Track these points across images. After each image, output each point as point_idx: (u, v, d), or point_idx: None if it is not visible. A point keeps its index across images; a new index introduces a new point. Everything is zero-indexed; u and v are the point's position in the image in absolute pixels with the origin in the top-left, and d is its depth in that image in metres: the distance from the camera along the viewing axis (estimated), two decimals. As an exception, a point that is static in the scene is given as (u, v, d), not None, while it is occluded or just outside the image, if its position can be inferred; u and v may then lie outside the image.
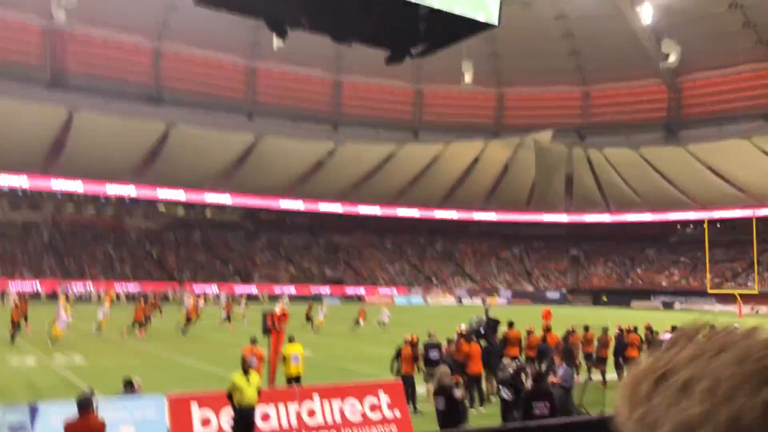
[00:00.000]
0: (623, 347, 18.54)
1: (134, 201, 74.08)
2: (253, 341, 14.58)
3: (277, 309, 21.75)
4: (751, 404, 0.56)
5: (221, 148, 67.13)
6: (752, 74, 71.35)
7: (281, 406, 11.70)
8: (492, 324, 17.03)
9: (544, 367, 15.10)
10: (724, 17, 65.05)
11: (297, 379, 14.13)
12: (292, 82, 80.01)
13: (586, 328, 20.45)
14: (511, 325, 18.93)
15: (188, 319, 30.44)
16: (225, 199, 74.34)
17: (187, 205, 78.37)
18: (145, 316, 29.45)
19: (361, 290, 69.65)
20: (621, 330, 19.94)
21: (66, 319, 24.85)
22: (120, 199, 73.56)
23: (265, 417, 11.33)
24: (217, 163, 69.47)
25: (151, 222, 75.68)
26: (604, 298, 71.79)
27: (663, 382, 0.64)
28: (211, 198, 74.36)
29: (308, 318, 33.83)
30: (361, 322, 34.13)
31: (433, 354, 14.91)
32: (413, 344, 14.86)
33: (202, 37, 70.97)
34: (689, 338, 0.68)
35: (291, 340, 15.03)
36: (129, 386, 11.50)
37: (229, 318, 34.64)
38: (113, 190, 68.96)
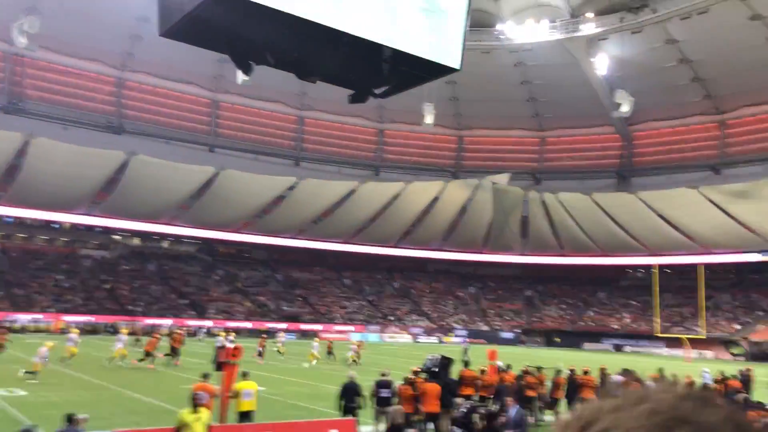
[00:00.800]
0: (575, 388, 18.83)
1: (89, 230, 72.61)
2: (205, 376, 14.41)
3: (229, 344, 21.50)
4: None
5: (181, 179, 66.49)
6: (700, 126, 74.29)
7: (232, 443, 11.56)
8: (445, 363, 17.14)
9: (497, 407, 15.22)
10: (675, 71, 67.86)
11: (249, 416, 13.95)
12: (255, 116, 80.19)
13: (539, 369, 20.73)
14: (466, 364, 19.13)
15: (147, 354, 29.83)
16: (182, 230, 73.49)
17: (144, 236, 77.13)
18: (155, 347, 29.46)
19: (318, 326, 68.96)
20: (572, 371, 20.28)
21: (45, 354, 23.85)
22: (74, 228, 72.02)
23: (216, 453, 11.17)
24: (176, 195, 68.71)
25: (105, 252, 74.11)
26: (557, 339, 72.57)
27: (585, 431, 0.67)
28: (169, 229, 73.39)
29: (260, 354, 33.77)
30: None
31: (384, 392, 15.00)
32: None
33: (166, 68, 70.84)
34: (620, 387, 0.73)
35: (245, 375, 14.88)
36: (70, 421, 10.93)
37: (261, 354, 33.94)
38: (67, 218, 67.72)
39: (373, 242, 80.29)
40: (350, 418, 14.41)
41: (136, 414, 16.92)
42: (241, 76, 50.86)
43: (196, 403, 10.47)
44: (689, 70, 67.61)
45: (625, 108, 60.96)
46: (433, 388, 14.83)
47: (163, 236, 77.87)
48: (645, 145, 79.43)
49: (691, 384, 17.47)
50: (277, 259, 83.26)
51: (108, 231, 73.71)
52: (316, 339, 39.60)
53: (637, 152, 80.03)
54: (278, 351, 37.98)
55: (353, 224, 77.48)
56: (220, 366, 15.00)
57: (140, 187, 64.80)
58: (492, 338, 70.60)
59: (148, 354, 29.54)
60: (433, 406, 14.48)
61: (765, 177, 62.80)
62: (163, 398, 19.81)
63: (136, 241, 78.28)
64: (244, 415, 13.93)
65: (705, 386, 19.52)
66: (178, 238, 78.39)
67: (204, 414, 10.48)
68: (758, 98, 66.29)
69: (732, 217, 65.21)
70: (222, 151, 76.47)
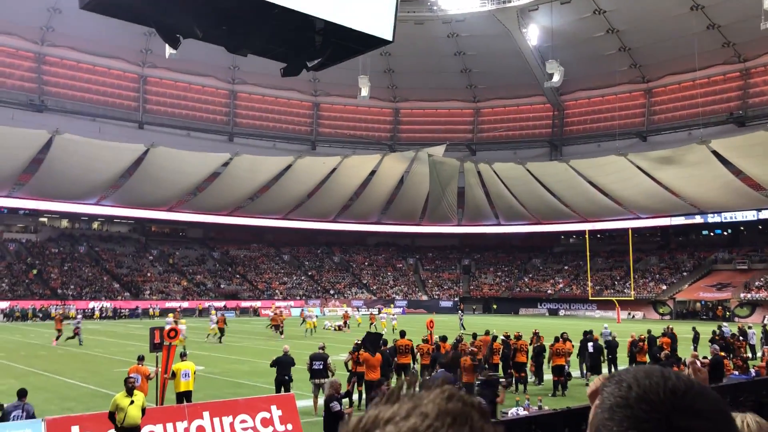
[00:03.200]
0: (512, 353, 19.43)
1: (13, 212, 69.57)
2: (140, 359, 14.23)
3: (168, 325, 21.05)
4: None
5: (109, 157, 64.16)
6: (627, 95, 76.54)
7: (169, 425, 11.38)
8: (372, 338, 17.43)
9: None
10: (603, 41, 69.47)
11: (188, 396, 13.81)
12: (185, 91, 78.02)
13: (474, 336, 21.24)
14: (402, 334, 19.46)
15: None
16: (113, 211, 71.34)
17: (72, 217, 74.51)
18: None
19: (257, 303, 68.47)
20: (507, 337, 20.89)
21: None
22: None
23: (153, 436, 10.99)
24: (105, 174, 66.40)
25: (32, 235, 71.26)
26: (494, 306, 74.38)
27: None
28: (99, 210, 71.11)
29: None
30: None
31: (317, 364, 15.44)
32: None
33: (90, 42, 67.93)
34: (401, 392, 0.75)
35: (182, 356, 14.75)
36: (21, 396, 11.33)
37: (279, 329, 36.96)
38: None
39: (311, 217, 79.89)
40: (286, 393, 14.48)
41: (69, 400, 16.48)
42: (169, 50, 49.32)
43: (130, 387, 10.31)
44: (617, 39, 69.34)
45: (556, 78, 62.04)
46: (378, 358, 15.67)
47: (93, 217, 75.42)
48: (575, 114, 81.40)
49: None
50: (214, 237, 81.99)
51: (34, 213, 70.82)
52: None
53: (568, 121, 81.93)
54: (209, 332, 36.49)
55: (291, 200, 76.81)
56: (155, 348, 14.71)
57: (66, 167, 62.32)
58: (432, 308, 71.76)
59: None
60: (375, 374, 15.16)
61: (688, 143, 65.36)
62: (96, 383, 19.35)
63: (64, 222, 75.57)
64: (183, 396, 13.80)
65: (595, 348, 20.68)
66: (108, 219, 76.07)
67: (139, 397, 10.33)
68: (682, 66, 68.62)
69: (658, 183, 67.75)
70: (152, 128, 74.21)
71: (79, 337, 31.70)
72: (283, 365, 15.60)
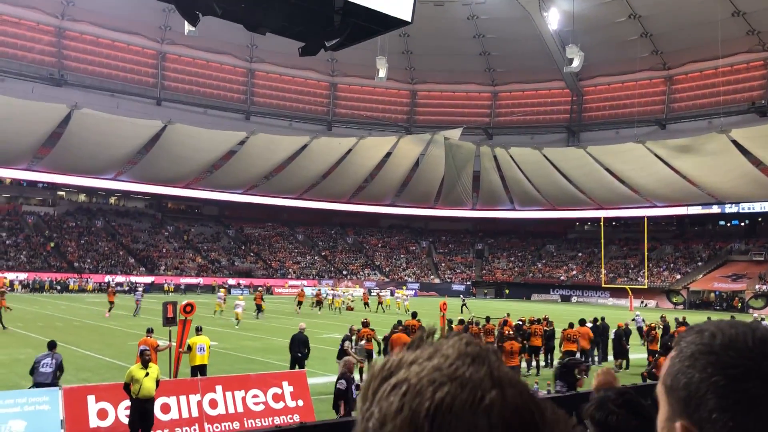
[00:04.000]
0: (526, 337, 19.52)
1: (32, 185, 70.41)
2: (149, 331, 14.48)
3: (218, 298, 21.32)
4: (427, 404, 0.68)
5: (127, 133, 64.55)
6: (647, 81, 75.63)
7: (182, 398, 11.59)
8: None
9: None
10: (624, 26, 68.59)
11: (202, 370, 14.04)
12: (203, 69, 78.14)
13: (488, 319, 21.32)
14: (414, 315, 19.64)
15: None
16: (130, 186, 71.94)
17: (90, 191, 75.25)
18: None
19: (271, 281, 68.96)
20: (522, 322, 20.98)
21: None
22: (16, 183, 69.79)
23: (165, 408, 11.20)
24: (123, 149, 66.86)
25: (50, 208, 72.10)
26: (507, 291, 74.39)
27: (385, 381, 0.74)
28: (116, 185, 71.74)
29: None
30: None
31: (343, 345, 15.83)
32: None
33: (109, 17, 68.16)
34: (422, 340, 0.79)
35: (198, 330, 14.95)
36: (51, 347, 11.99)
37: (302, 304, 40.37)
38: (9, 174, 65.70)
39: (326, 198, 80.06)
40: (299, 369, 14.68)
41: (84, 370, 16.80)
42: (187, 27, 49.34)
43: (145, 359, 10.51)
44: (638, 25, 68.40)
45: (576, 63, 61.39)
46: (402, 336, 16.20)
47: (110, 192, 76.13)
48: (594, 101, 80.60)
49: (480, 331, 18.57)
50: (229, 215, 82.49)
51: (52, 187, 71.60)
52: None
53: (586, 107, 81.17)
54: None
55: (306, 180, 76.98)
56: (169, 321, 14.93)
57: (84, 142, 62.82)
58: (444, 291, 71.90)
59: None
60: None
61: (708, 132, 64.57)
62: (111, 355, 19.69)
63: (82, 197, 76.34)
64: (198, 369, 14.03)
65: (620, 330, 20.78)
66: (125, 194, 76.74)
67: (153, 369, 10.52)
68: (704, 54, 67.62)
69: (676, 171, 67.10)
70: (169, 105, 74.49)
71: (137, 308, 33.87)
72: (296, 343, 15.79)
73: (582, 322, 20.09)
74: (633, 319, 24.03)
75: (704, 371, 0.84)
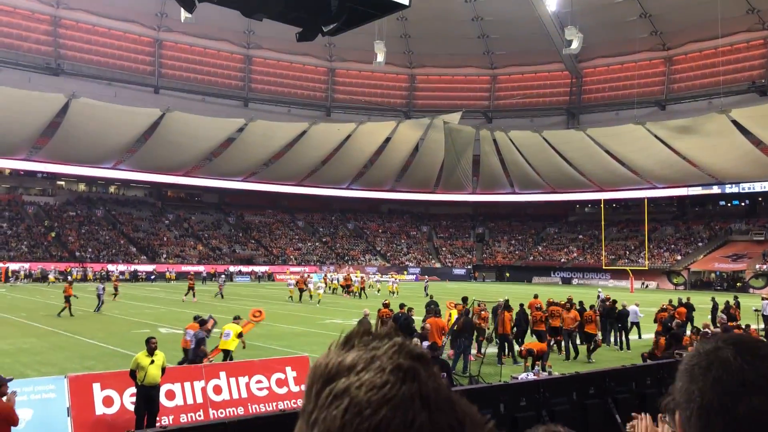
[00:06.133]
0: (546, 320, 19.58)
1: (31, 175, 70.35)
2: (236, 318, 15.39)
3: (290, 285, 21.41)
4: (366, 424, 0.70)
5: (125, 122, 64.35)
6: (647, 63, 75.30)
7: (187, 384, 11.68)
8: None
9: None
10: (623, 7, 68.16)
11: (226, 355, 14.24)
12: (200, 56, 77.81)
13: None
14: (386, 305, 19.92)
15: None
16: (130, 175, 71.90)
17: (89, 181, 75.22)
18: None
19: (272, 268, 69.13)
20: (522, 306, 20.98)
21: None
22: (16, 173, 69.73)
23: (170, 394, 11.30)
24: (122, 138, 66.71)
25: (50, 198, 72.09)
26: (507, 275, 74.56)
27: (327, 386, 0.74)
28: (115, 174, 71.70)
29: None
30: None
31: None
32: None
33: (105, 5, 67.75)
34: (359, 338, 0.79)
35: (235, 319, 15.21)
36: (201, 324, 13.90)
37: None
38: (8, 164, 65.63)
39: (326, 184, 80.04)
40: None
41: (89, 359, 16.89)
42: (184, 14, 49.08)
43: (151, 347, 10.59)
44: (637, 5, 67.97)
45: (575, 45, 61.05)
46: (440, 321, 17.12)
47: (110, 181, 76.11)
48: (593, 82, 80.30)
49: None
50: (229, 203, 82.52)
51: (52, 176, 71.56)
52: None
53: (586, 89, 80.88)
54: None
55: (305, 166, 76.89)
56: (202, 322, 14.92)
57: (83, 131, 62.66)
58: (445, 275, 72.03)
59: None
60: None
61: (708, 112, 64.37)
62: (115, 343, 19.79)
63: (81, 186, 76.32)
64: (224, 354, 14.36)
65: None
66: (125, 183, 76.73)
67: (159, 357, 10.60)
68: (704, 34, 67.25)
69: (676, 152, 66.97)
70: (167, 93, 74.26)
71: (220, 292, 37.49)
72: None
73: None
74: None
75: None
